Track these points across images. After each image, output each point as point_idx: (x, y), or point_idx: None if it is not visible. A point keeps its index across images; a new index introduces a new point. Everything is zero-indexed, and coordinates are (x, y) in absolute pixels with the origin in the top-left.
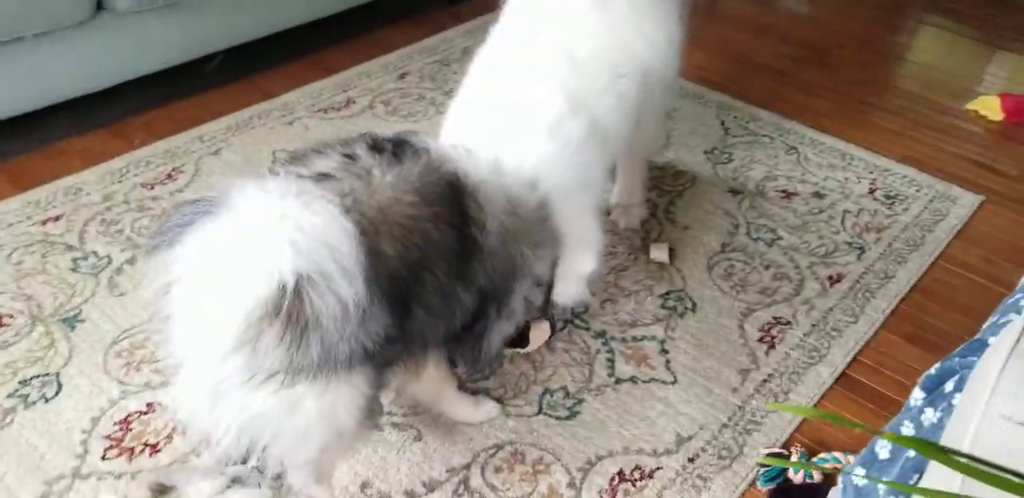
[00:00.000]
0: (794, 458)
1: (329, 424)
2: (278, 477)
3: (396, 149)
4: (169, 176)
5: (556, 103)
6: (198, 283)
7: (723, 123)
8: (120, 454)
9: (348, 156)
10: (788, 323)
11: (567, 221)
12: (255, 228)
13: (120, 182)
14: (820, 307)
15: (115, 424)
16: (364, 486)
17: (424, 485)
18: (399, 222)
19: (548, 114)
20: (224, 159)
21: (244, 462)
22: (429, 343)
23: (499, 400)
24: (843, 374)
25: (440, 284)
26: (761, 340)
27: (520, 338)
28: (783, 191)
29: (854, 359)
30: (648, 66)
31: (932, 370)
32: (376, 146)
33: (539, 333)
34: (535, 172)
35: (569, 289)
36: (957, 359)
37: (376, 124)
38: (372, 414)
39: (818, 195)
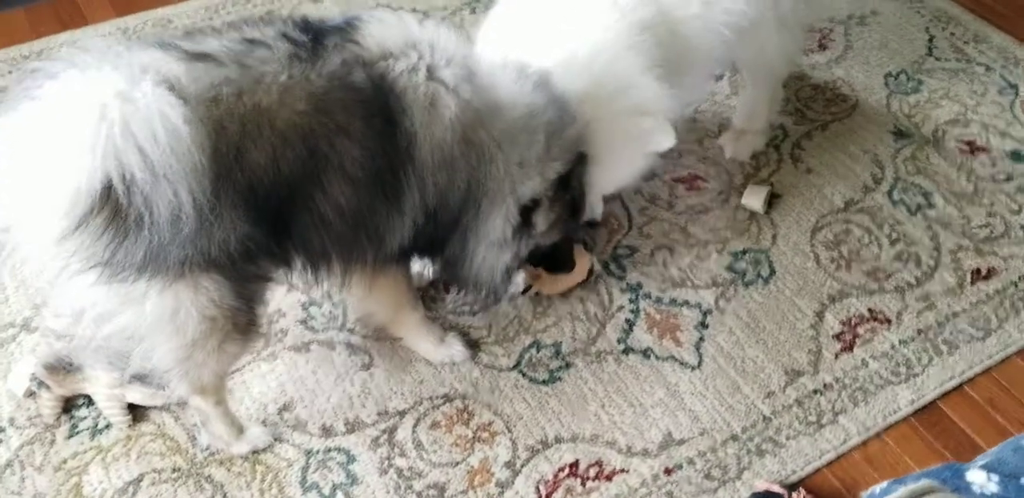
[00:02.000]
0: None
1: (171, 328)
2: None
3: (315, 41)
4: (262, 20)
5: None
6: (21, 169)
7: (931, 39)
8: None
9: (250, 41)
10: (887, 321)
11: (603, 128)
12: (72, 116)
13: (211, 19)
14: (942, 308)
15: None
16: (284, 408)
17: (346, 424)
18: (279, 130)
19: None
20: (322, 7)
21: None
22: (342, 259)
23: (475, 343)
24: (930, 404)
25: (340, 202)
26: (838, 337)
27: (556, 261)
28: (968, 143)
29: (956, 388)
30: None
31: None
32: (291, 35)
33: (581, 262)
34: (553, 71)
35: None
36: None
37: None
38: (240, 327)
39: (1017, 156)
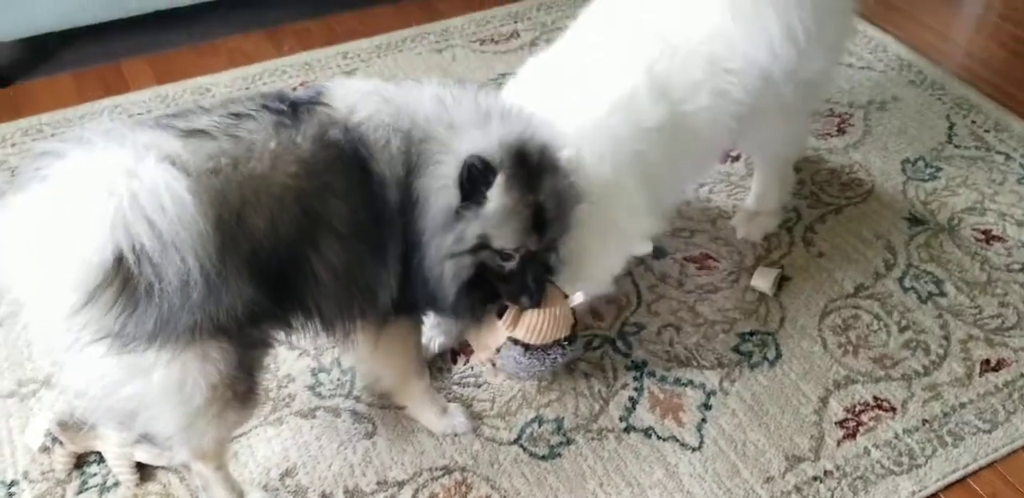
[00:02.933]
0: None
1: (178, 398)
2: None
3: (293, 108)
4: (295, 90)
5: (634, 83)
6: (31, 249)
7: (951, 127)
8: None
9: (235, 115)
10: (891, 410)
11: (600, 211)
12: (81, 193)
13: (247, 88)
14: (949, 399)
15: None
16: (286, 474)
17: (345, 492)
18: (274, 194)
19: (620, 91)
20: (355, 80)
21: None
22: (339, 317)
23: (478, 415)
24: (932, 497)
25: (332, 260)
26: (842, 424)
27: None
28: (984, 232)
29: (960, 481)
30: (767, 64)
31: None
32: (271, 106)
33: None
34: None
35: (591, 280)
36: None
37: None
38: (239, 395)
39: None
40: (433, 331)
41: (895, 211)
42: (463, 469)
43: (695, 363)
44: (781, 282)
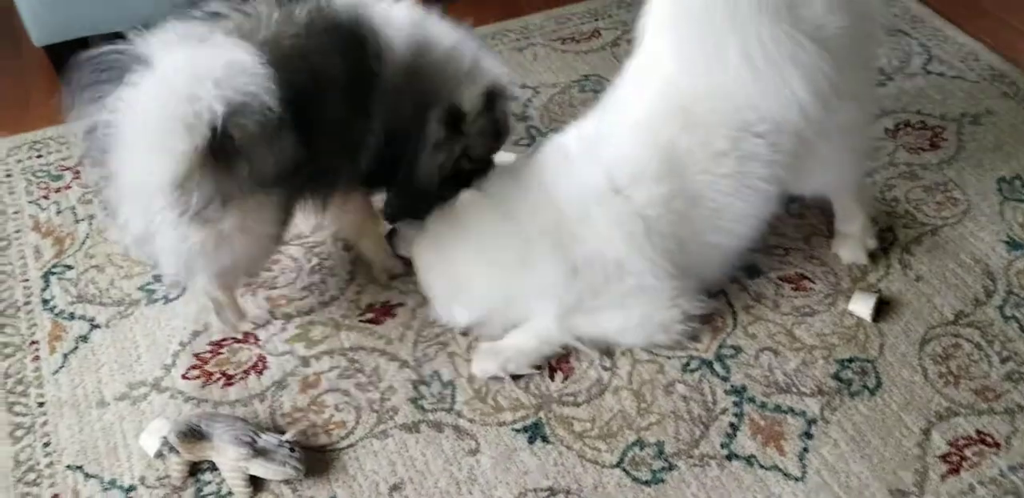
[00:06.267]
0: None
1: (243, 243)
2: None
3: None
4: None
5: (646, 161)
6: (134, 131)
7: None
8: (200, 377)
9: None
10: (995, 445)
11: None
12: (176, 73)
13: None
14: None
15: (209, 344)
16: (395, 488)
17: None
18: (285, 52)
19: (630, 168)
20: None
21: (280, 436)
22: (336, 174)
23: (580, 435)
24: None
25: (336, 112)
26: (945, 458)
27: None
28: None
29: None
30: (797, 123)
31: None
32: None
33: None
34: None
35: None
36: None
37: (608, 65)
38: (275, 238)
39: None
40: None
41: (992, 233)
42: (567, 491)
43: (795, 390)
44: (879, 306)
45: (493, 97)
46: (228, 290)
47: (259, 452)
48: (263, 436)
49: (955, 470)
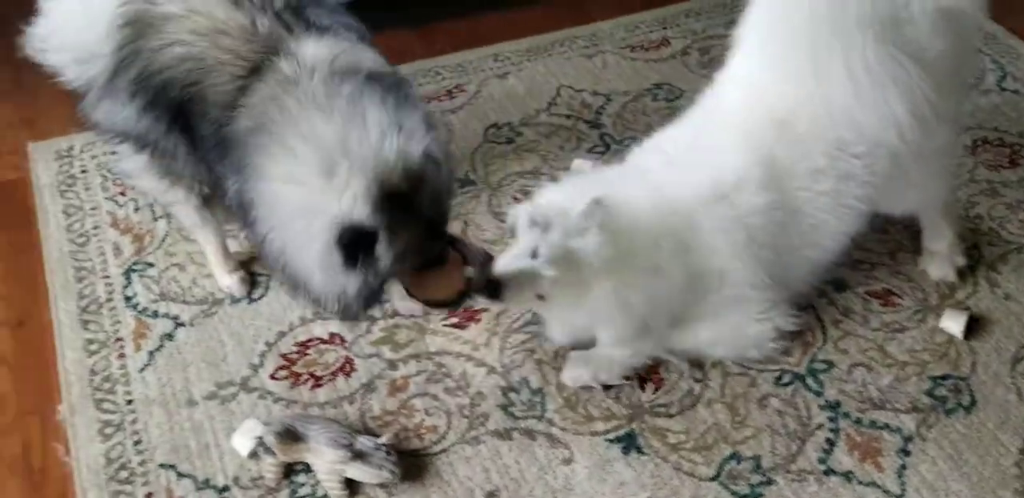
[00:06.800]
0: None
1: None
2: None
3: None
4: (449, 93)
5: (745, 171)
6: None
7: None
8: (288, 377)
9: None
10: None
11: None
12: None
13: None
14: None
15: (295, 345)
16: (490, 495)
17: None
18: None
19: (728, 178)
20: (508, 85)
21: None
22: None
23: (675, 447)
24: None
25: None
26: None
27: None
28: None
29: None
30: (895, 145)
31: None
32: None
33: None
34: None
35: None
36: None
37: (680, 75)
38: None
39: None
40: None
41: None
42: None
43: (890, 406)
44: (970, 324)
45: (414, 196)
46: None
47: (357, 455)
48: (360, 439)
49: None
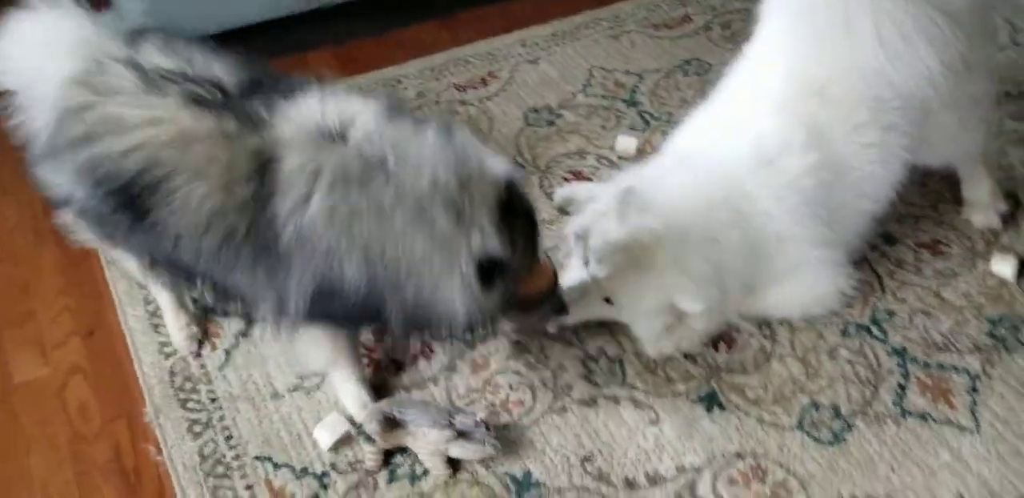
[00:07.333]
0: None
1: None
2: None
3: (235, 97)
4: (483, 81)
5: (789, 135)
6: None
7: None
8: (369, 365)
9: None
10: None
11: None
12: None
13: (437, 79)
14: None
15: (371, 332)
16: (586, 460)
17: (647, 477)
18: (136, 143)
19: (768, 145)
20: (540, 70)
21: (473, 417)
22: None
23: (755, 401)
24: None
25: (181, 232)
26: None
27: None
28: None
29: None
30: (929, 97)
31: None
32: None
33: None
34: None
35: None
36: None
37: (706, 49)
38: None
39: None
40: None
41: None
42: (754, 454)
43: (953, 348)
44: (1020, 267)
45: (512, 203)
46: None
47: (459, 434)
48: (457, 417)
49: None
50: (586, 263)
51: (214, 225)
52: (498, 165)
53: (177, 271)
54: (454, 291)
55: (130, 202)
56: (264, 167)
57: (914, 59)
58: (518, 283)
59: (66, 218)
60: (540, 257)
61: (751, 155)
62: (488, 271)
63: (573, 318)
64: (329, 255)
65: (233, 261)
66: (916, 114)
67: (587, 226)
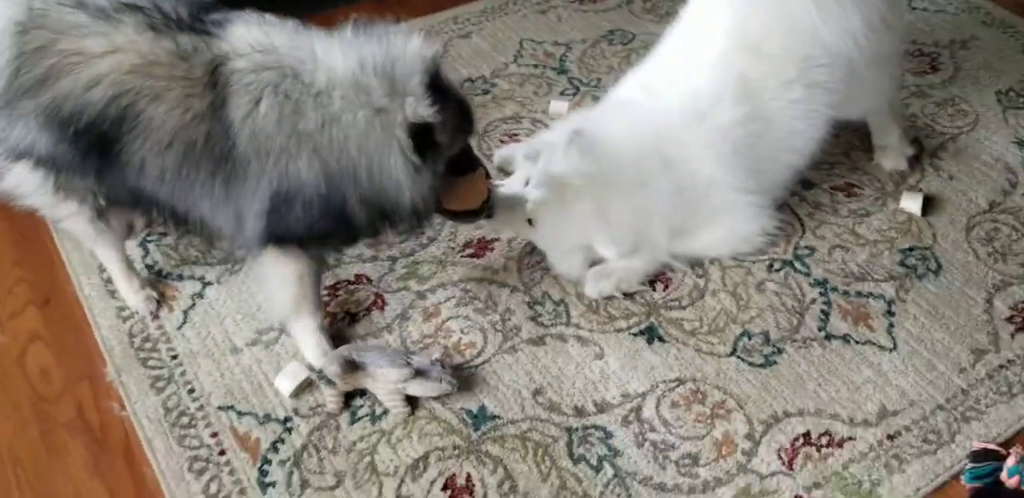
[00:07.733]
0: (1011, 461)
1: None
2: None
3: (186, 22)
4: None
5: (723, 89)
6: None
7: None
8: (325, 318)
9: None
10: None
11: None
12: None
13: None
14: None
15: (325, 289)
16: (537, 393)
17: (595, 405)
18: (100, 73)
19: (708, 97)
20: (472, 43)
21: (429, 356)
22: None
23: (692, 332)
24: None
25: (148, 160)
26: (1010, 320)
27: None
28: None
29: None
30: (852, 55)
31: None
32: (164, 10)
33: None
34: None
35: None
36: None
37: (629, 21)
38: None
39: None
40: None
41: (1003, 136)
42: (694, 379)
43: (870, 277)
44: (925, 203)
45: (438, 78)
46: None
47: (417, 372)
48: (414, 358)
49: (1021, 328)
50: (526, 184)
51: (176, 140)
52: (421, 42)
53: (137, 204)
54: (397, 168)
55: (99, 139)
56: (215, 78)
57: (844, 19)
58: (440, 183)
59: (11, 181)
60: (473, 165)
61: (686, 106)
62: (422, 139)
63: (493, 225)
64: (282, 156)
65: (194, 176)
66: (841, 72)
67: (539, 150)
